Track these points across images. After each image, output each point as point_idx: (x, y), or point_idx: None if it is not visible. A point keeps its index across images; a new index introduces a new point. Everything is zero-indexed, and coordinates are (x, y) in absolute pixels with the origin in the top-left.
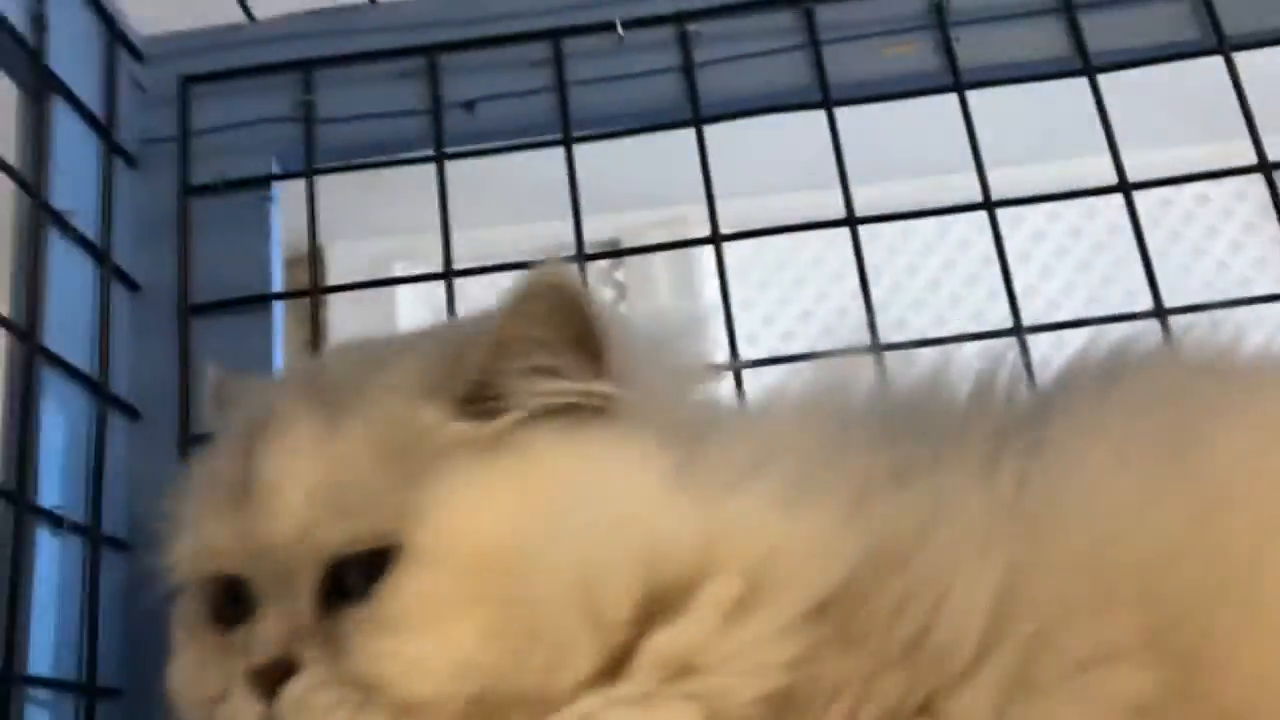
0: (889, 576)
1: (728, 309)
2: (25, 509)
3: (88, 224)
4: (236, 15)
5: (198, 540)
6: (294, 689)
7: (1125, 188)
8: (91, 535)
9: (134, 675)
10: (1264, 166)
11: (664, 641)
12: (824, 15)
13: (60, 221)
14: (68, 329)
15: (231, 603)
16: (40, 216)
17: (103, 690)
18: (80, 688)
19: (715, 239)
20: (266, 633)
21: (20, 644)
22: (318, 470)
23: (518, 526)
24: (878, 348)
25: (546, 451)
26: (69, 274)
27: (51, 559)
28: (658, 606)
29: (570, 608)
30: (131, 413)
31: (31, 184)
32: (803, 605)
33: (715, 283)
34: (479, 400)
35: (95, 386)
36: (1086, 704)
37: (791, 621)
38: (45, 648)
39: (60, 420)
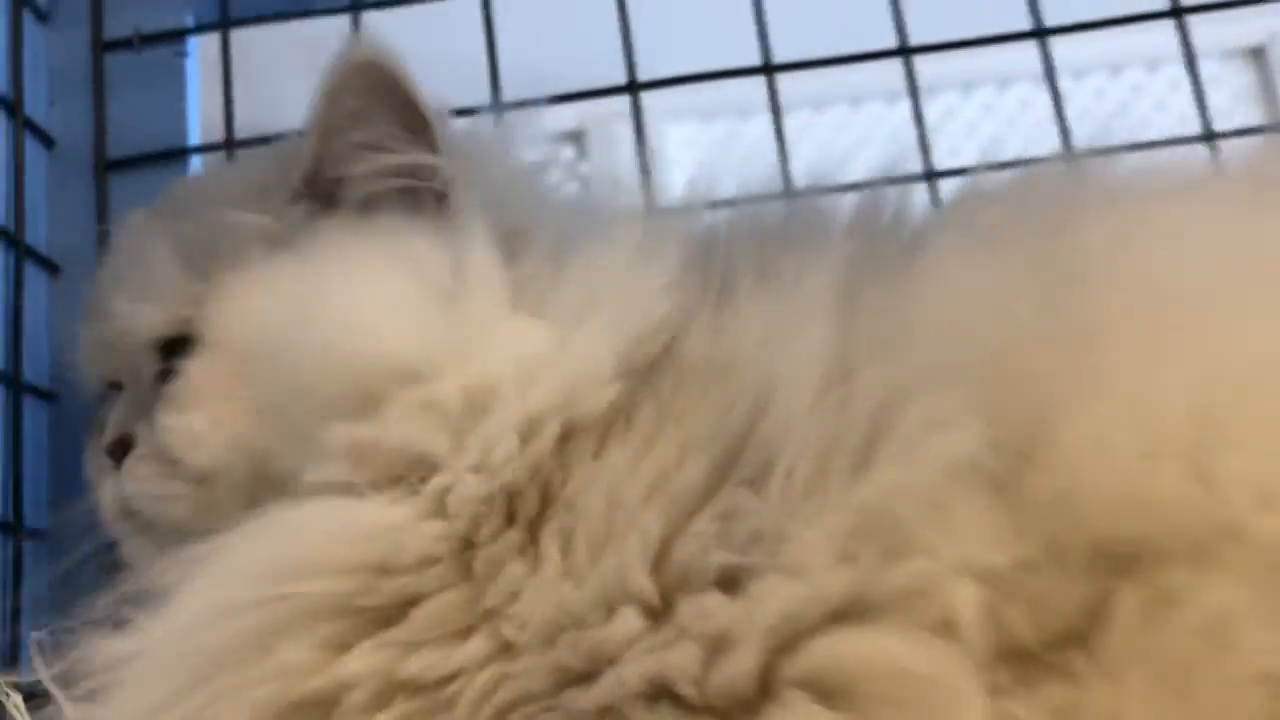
0: (714, 384)
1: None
2: None
3: (2, 81)
4: None
5: (73, 359)
6: (128, 462)
7: (1040, 32)
8: (14, 384)
9: (58, 516)
10: (1177, 11)
11: (385, 436)
12: None
13: None
14: None
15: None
16: None
17: (30, 531)
18: (6, 527)
19: (631, 88)
20: (114, 418)
21: None
22: (136, 272)
23: (278, 318)
24: (791, 194)
25: (326, 246)
26: None
27: None
28: (376, 408)
29: (302, 397)
30: (51, 267)
31: None
32: (531, 415)
33: (679, 172)
34: (319, 191)
35: (10, 239)
36: (913, 467)
37: (520, 430)
38: None
39: None
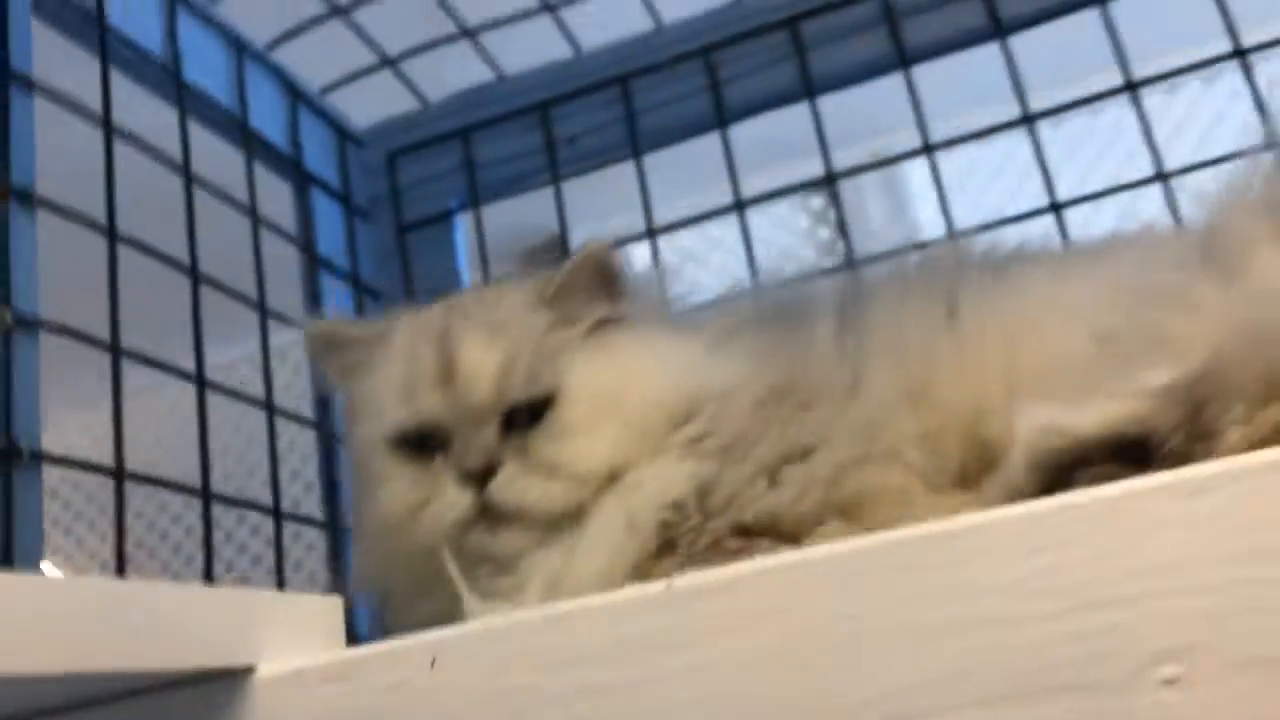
0: (780, 404)
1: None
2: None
3: (343, 262)
4: (415, 104)
5: (415, 405)
6: (502, 478)
7: (1029, 120)
8: None
9: None
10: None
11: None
12: None
13: (326, 264)
14: None
15: (419, 447)
16: (313, 263)
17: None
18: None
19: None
20: (473, 451)
21: None
22: (498, 357)
23: (616, 381)
24: None
25: (615, 342)
26: (337, 296)
27: None
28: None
29: (646, 423)
30: None
31: (305, 243)
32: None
33: (926, 209)
34: (558, 316)
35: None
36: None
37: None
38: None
39: None
